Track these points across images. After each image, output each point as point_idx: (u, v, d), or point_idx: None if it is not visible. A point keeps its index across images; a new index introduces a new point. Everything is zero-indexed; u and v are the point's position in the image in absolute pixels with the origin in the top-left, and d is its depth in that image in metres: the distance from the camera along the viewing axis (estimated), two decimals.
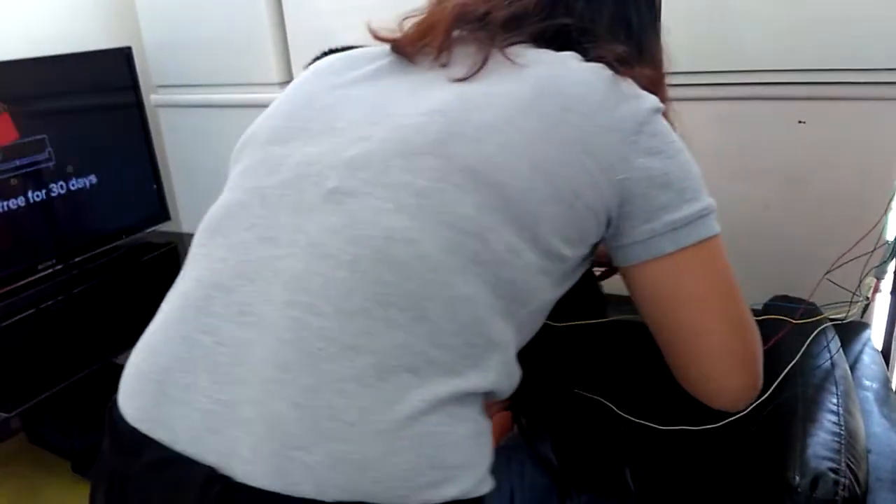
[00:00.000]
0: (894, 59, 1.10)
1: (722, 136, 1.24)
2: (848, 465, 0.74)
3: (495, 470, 0.59)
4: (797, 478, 0.73)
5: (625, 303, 1.15)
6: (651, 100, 0.63)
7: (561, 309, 0.68)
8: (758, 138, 1.22)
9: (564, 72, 0.63)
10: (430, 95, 0.63)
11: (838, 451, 0.76)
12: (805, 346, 0.96)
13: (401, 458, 0.51)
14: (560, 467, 0.73)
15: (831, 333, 1.03)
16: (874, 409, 0.97)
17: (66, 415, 1.71)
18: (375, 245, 0.55)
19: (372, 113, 0.63)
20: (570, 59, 0.64)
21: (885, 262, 0.99)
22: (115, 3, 1.86)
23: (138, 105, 1.81)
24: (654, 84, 0.67)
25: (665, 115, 0.65)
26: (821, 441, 0.78)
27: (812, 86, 1.16)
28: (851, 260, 1.01)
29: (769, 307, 1.10)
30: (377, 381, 0.52)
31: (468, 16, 0.68)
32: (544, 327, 0.67)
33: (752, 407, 0.72)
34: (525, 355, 0.65)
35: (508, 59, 0.63)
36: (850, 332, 1.13)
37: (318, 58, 1.22)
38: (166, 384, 0.57)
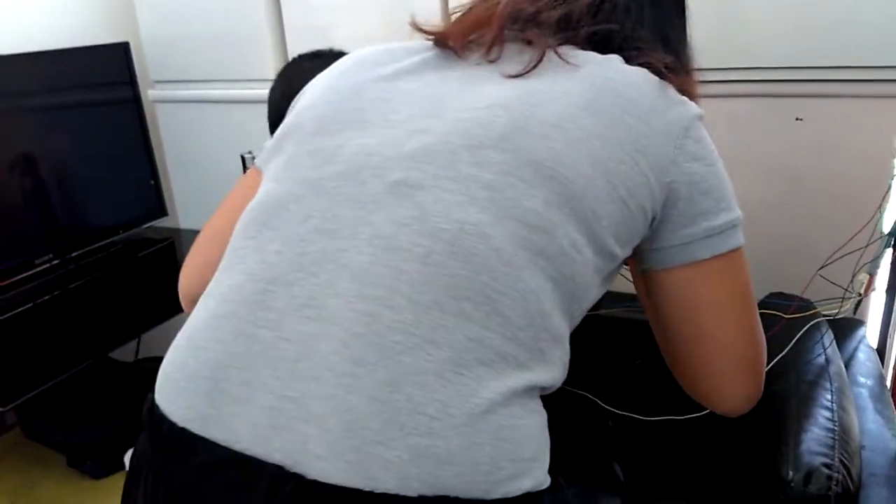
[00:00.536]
0: (889, 56, 1.10)
1: (718, 132, 1.24)
2: (841, 461, 0.74)
3: None
4: (791, 472, 0.73)
5: (611, 299, 1.16)
6: (694, 106, 0.65)
7: None
8: (755, 135, 1.22)
9: (616, 74, 0.64)
10: (486, 91, 0.63)
11: (832, 447, 0.76)
12: (795, 340, 0.96)
13: (481, 451, 0.51)
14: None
15: (825, 329, 1.03)
16: (868, 406, 0.98)
17: (62, 410, 1.72)
18: (448, 238, 0.54)
19: (427, 106, 0.63)
20: (616, 61, 0.65)
21: (877, 258, 0.99)
22: None
23: (136, 100, 1.81)
24: (690, 93, 0.68)
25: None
26: (814, 436, 0.78)
27: (809, 83, 1.16)
28: (846, 255, 1.02)
29: (764, 303, 1.11)
30: (454, 374, 0.52)
31: (519, 14, 0.68)
32: None
33: None
34: None
35: (562, 58, 0.64)
36: (846, 329, 1.14)
37: (289, 64, 1.23)
38: (222, 381, 0.55)
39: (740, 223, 0.65)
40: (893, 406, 1.02)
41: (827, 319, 1.06)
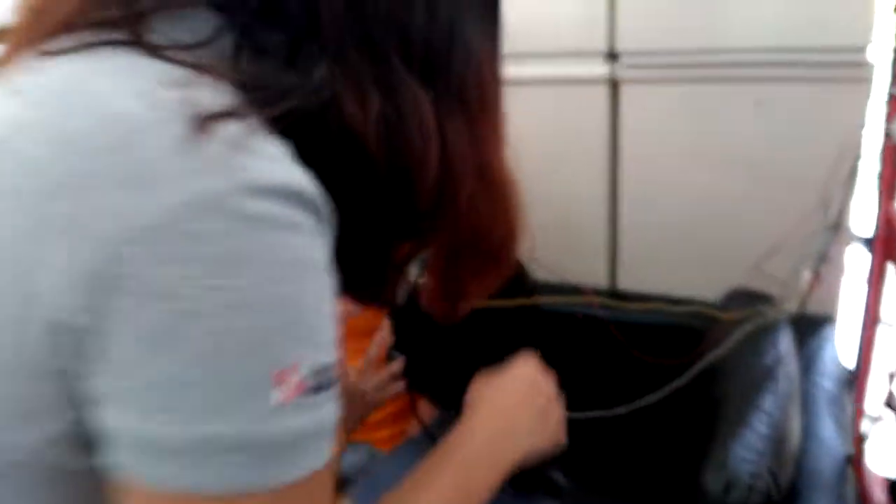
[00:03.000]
0: (851, 37, 1.04)
1: (679, 119, 1.18)
2: (769, 469, 0.68)
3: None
4: (711, 481, 0.67)
5: (554, 291, 1.11)
6: (234, 173, 0.31)
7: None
8: (714, 121, 1.16)
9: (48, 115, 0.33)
10: None
11: (762, 454, 0.70)
12: (732, 342, 0.90)
13: None
14: None
15: (784, 329, 0.97)
16: (823, 410, 0.91)
17: None
18: None
19: None
20: (100, 81, 0.34)
21: (824, 251, 0.93)
22: None
23: None
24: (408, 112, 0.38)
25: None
26: (745, 443, 0.72)
27: (769, 66, 1.10)
28: (800, 247, 0.96)
29: (724, 303, 1.05)
30: None
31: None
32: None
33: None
34: (442, 342, 0.58)
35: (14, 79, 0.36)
36: (811, 327, 1.07)
37: None
38: None
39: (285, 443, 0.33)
40: (856, 410, 0.95)
41: (791, 317, 1.00)
